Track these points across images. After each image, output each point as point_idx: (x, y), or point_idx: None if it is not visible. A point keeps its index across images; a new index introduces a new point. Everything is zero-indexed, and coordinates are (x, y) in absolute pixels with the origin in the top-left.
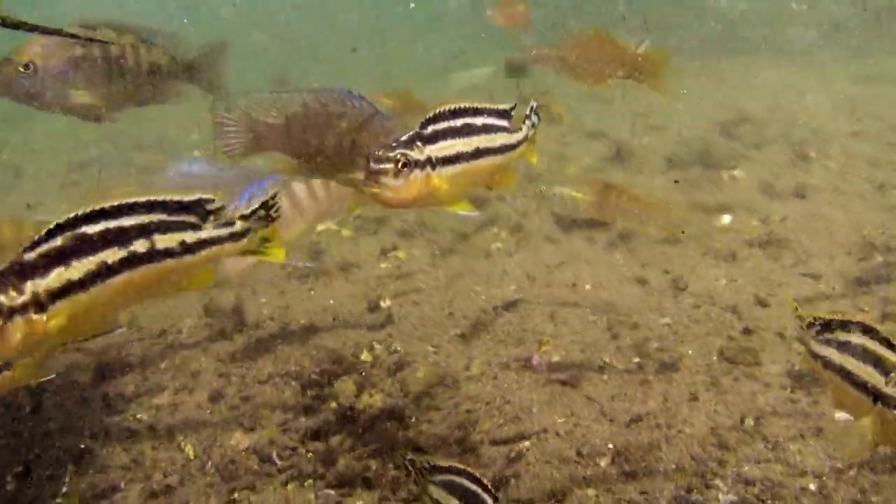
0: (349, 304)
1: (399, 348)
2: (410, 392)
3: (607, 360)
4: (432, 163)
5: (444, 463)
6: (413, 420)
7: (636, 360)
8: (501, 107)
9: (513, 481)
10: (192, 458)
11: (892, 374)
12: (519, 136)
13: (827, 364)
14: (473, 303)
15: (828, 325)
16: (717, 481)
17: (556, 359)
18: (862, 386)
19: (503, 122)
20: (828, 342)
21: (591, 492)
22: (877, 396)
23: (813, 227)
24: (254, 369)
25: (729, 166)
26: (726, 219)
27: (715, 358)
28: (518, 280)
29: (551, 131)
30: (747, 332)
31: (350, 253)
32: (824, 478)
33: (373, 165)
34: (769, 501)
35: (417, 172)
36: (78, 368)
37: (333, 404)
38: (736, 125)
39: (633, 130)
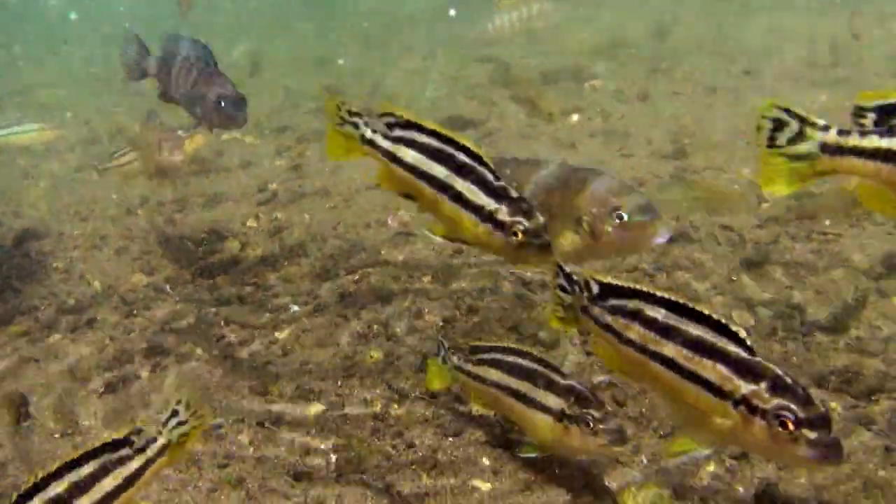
0: (242, 189)
1: (280, 217)
2: (286, 246)
3: None
4: None
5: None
6: (285, 264)
7: None
8: None
9: (354, 293)
10: (99, 290)
11: None
12: None
13: None
14: (350, 185)
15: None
16: (505, 281)
17: (406, 219)
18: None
19: None
20: None
21: (411, 296)
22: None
23: (643, 122)
24: (154, 234)
25: (592, 78)
26: (574, 117)
27: None
28: None
29: (454, 66)
30: None
31: (250, 154)
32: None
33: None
34: (538, 291)
35: None
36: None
37: (220, 256)
38: (612, 47)
39: (521, 55)
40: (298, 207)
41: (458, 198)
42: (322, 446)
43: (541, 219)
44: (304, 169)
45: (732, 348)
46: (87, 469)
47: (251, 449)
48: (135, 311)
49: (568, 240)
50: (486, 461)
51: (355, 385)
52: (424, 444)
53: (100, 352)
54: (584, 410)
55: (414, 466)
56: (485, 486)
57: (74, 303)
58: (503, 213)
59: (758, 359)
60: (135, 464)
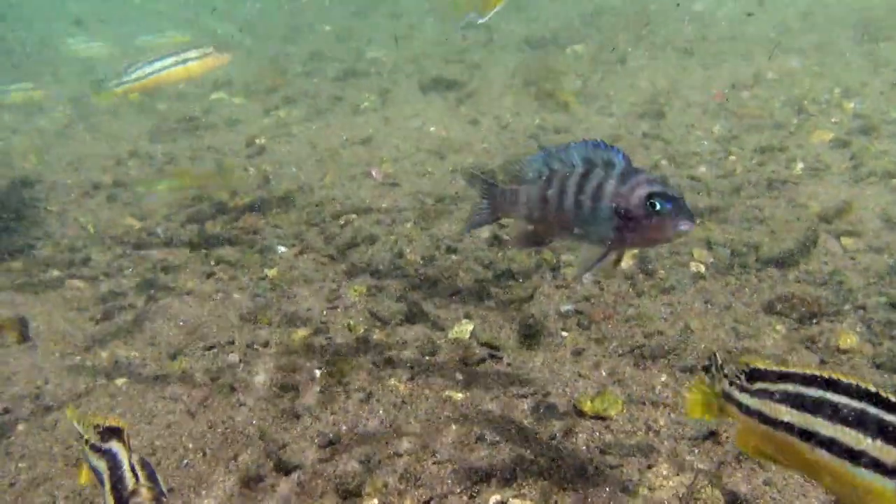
0: (230, 143)
1: (268, 169)
2: (274, 196)
3: (430, 169)
4: None
5: None
6: (273, 212)
7: (451, 168)
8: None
9: (339, 239)
10: (93, 232)
11: None
12: None
13: None
14: (335, 141)
15: None
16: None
17: (390, 171)
18: None
19: None
20: None
21: (393, 238)
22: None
23: (620, 84)
24: (144, 182)
25: (573, 43)
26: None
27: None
28: (376, 126)
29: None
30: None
31: (238, 113)
32: None
33: None
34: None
35: None
36: None
37: (209, 203)
38: (597, 15)
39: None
40: (286, 160)
41: None
42: (307, 364)
43: None
44: (290, 128)
45: None
46: None
47: (241, 365)
48: (127, 251)
49: None
50: (459, 375)
51: (339, 314)
52: (403, 361)
53: (95, 285)
54: None
55: (393, 379)
56: (458, 396)
57: (69, 243)
58: None
59: None
60: None
